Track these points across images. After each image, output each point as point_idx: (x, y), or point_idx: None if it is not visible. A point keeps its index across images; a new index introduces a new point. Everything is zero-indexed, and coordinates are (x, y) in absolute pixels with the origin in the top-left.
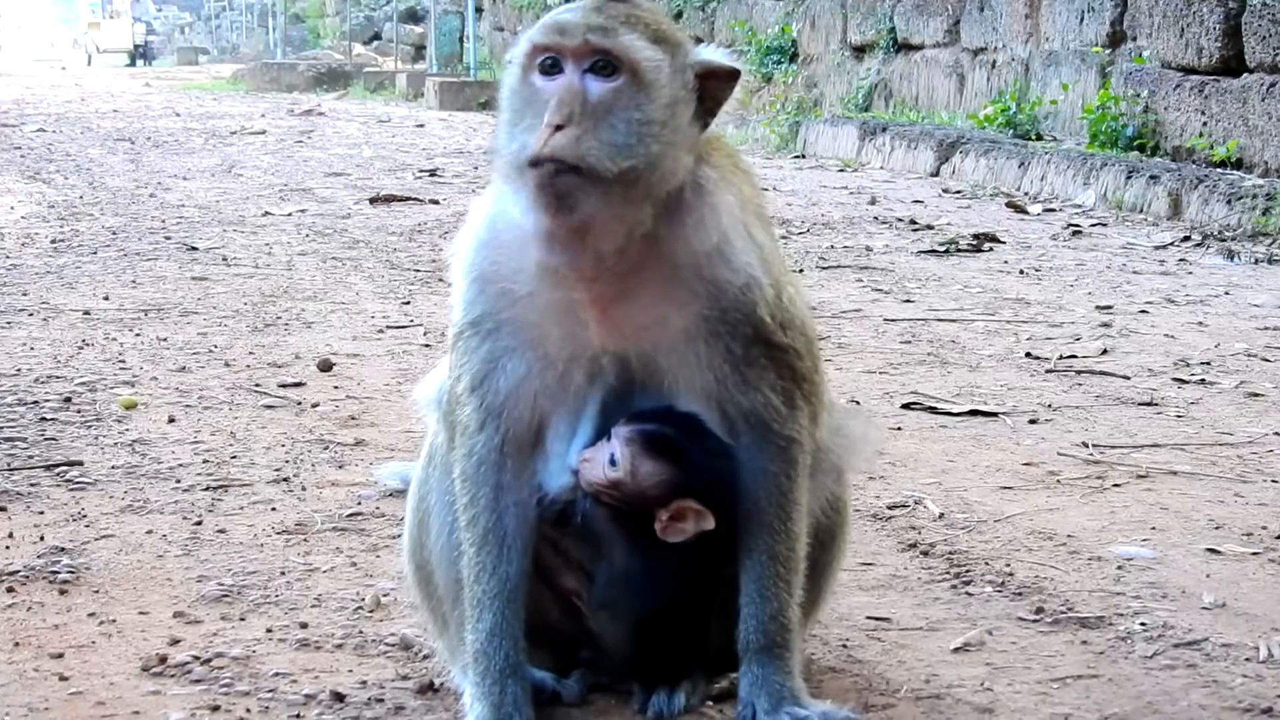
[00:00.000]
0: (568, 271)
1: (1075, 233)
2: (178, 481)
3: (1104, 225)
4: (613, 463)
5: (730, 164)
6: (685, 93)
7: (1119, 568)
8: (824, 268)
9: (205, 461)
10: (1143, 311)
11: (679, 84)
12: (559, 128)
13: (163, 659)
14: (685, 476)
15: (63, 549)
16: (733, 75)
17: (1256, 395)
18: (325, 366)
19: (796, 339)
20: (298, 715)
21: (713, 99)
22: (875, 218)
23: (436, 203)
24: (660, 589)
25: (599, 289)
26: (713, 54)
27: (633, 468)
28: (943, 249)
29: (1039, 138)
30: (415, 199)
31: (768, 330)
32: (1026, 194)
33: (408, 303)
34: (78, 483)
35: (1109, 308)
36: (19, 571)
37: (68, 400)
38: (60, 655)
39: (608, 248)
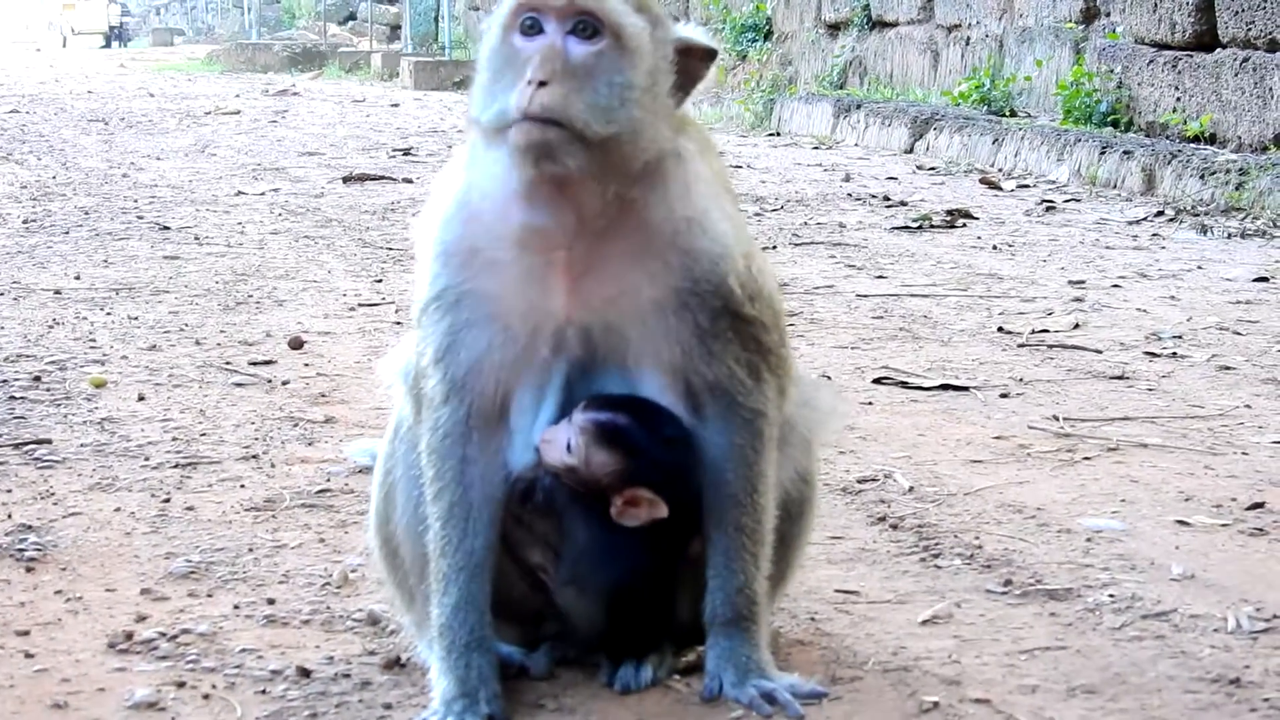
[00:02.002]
0: (549, 231)
1: (1049, 208)
2: (146, 459)
3: (1077, 201)
4: (569, 449)
5: (702, 139)
6: (665, 64)
7: (1088, 540)
8: (797, 244)
9: (174, 439)
10: (1115, 286)
11: (660, 55)
12: (542, 84)
13: (129, 636)
14: (638, 466)
15: (30, 527)
16: (710, 54)
17: (1228, 369)
18: (296, 344)
19: (764, 311)
20: (263, 691)
21: (689, 76)
22: (849, 194)
23: (410, 181)
24: (625, 565)
25: (574, 255)
26: (692, 31)
27: (586, 456)
28: (916, 225)
29: (1013, 114)
30: (389, 178)
31: (736, 302)
32: (1000, 170)
33: (380, 280)
34: (46, 461)
35: (1082, 283)
36: None
37: (37, 379)
38: (26, 633)
39: (588, 209)
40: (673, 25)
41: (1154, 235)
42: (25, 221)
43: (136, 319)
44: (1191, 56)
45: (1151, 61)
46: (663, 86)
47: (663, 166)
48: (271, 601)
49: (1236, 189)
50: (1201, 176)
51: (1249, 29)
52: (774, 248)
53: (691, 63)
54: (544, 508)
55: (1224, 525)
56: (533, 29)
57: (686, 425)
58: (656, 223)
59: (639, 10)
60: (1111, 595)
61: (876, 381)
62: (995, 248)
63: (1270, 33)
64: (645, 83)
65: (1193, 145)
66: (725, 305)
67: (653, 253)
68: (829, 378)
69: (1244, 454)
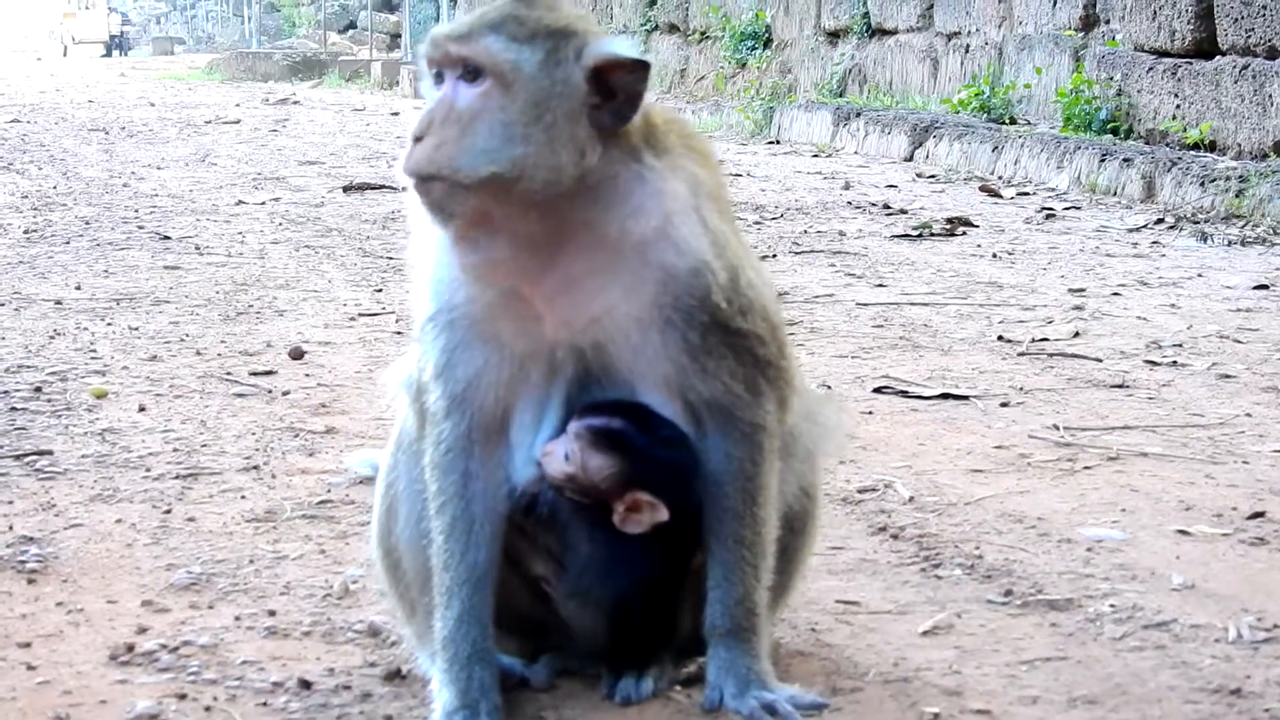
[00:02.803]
0: (492, 266)
1: (1048, 216)
2: (147, 470)
3: (1077, 209)
4: (566, 458)
5: (684, 147)
6: (566, 88)
7: (1089, 550)
8: (797, 253)
9: (175, 450)
10: (1115, 294)
11: (556, 79)
12: (418, 140)
13: (130, 648)
14: (636, 469)
15: (31, 538)
16: (636, 65)
17: (1228, 377)
18: (296, 354)
19: (757, 324)
20: (264, 703)
21: (623, 91)
22: (849, 203)
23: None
24: (628, 577)
25: (546, 280)
26: (610, 45)
27: (582, 461)
28: (916, 233)
29: (1013, 122)
30: (389, 187)
31: (724, 316)
32: (1000, 178)
33: (380, 290)
34: (47, 472)
35: (1082, 291)
36: None
37: (38, 390)
38: (28, 644)
39: (527, 240)
40: (591, 42)
41: (1154, 243)
42: (26, 231)
43: (137, 329)
44: (1191, 64)
45: (1151, 69)
46: (559, 111)
47: (617, 185)
48: (272, 613)
49: (1236, 196)
50: (1201, 184)
51: (1248, 36)
52: (774, 256)
53: (620, 77)
54: (547, 520)
55: (1225, 535)
56: (440, 79)
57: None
58: (620, 243)
59: (530, 40)
60: (1112, 605)
61: (877, 391)
62: (995, 256)
63: (1270, 40)
64: (529, 115)
65: (1193, 153)
66: (713, 320)
67: (623, 272)
68: (829, 387)
69: (1245, 463)
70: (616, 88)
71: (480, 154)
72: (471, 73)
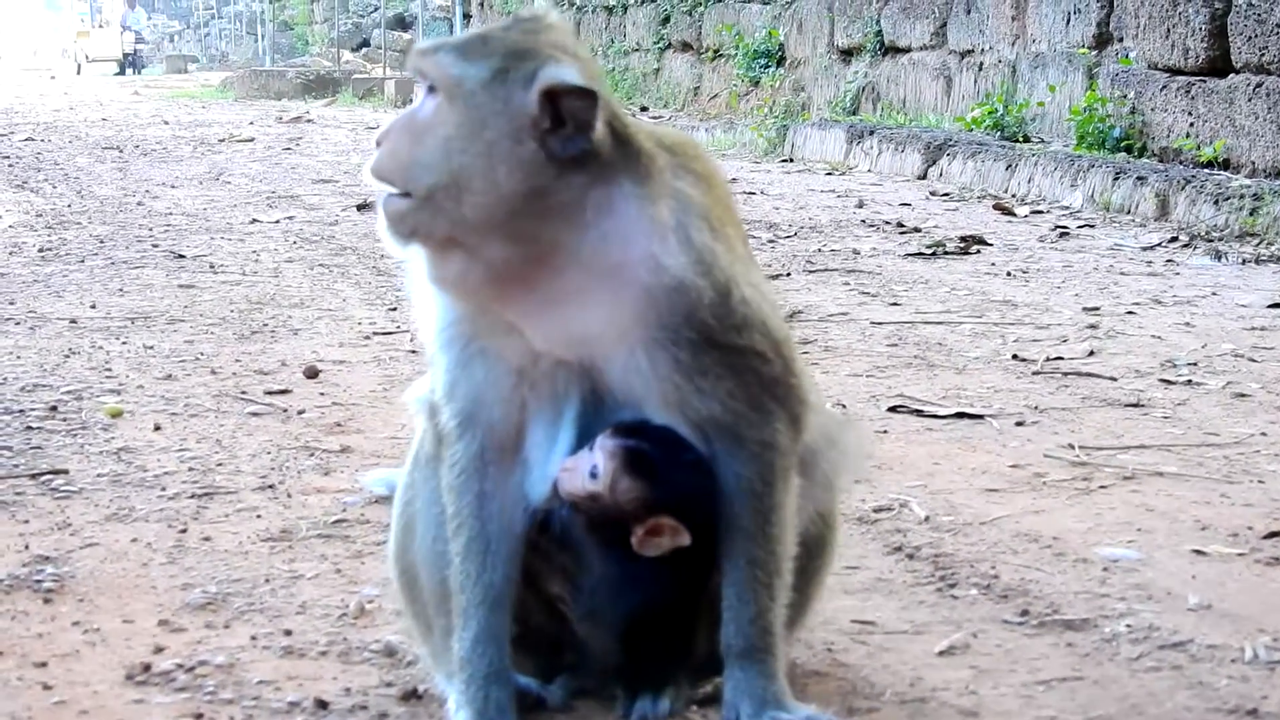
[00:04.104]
0: (457, 287)
1: (1062, 234)
2: (163, 489)
3: (1091, 227)
4: (593, 475)
5: (676, 168)
6: (505, 107)
7: (1104, 569)
8: (811, 271)
9: (191, 469)
10: (1130, 313)
11: (493, 98)
12: (378, 145)
13: (146, 667)
14: (663, 494)
15: (47, 557)
16: (583, 93)
17: (1243, 396)
18: (311, 373)
19: (755, 340)
20: None
21: (571, 118)
22: (863, 221)
23: None
24: (641, 596)
25: (521, 302)
26: (559, 71)
27: (612, 482)
28: (930, 251)
29: (1026, 140)
30: None
31: (716, 334)
32: (1014, 196)
33: (395, 309)
34: (63, 491)
35: (1096, 309)
36: (3, 580)
37: (53, 409)
38: (44, 664)
39: (490, 264)
40: (543, 67)
41: (1168, 261)
42: (41, 250)
43: (152, 348)
44: (1205, 82)
45: (1165, 87)
46: (501, 133)
47: (588, 210)
48: (289, 633)
49: (1251, 215)
50: (1215, 202)
51: (1262, 54)
52: (788, 274)
53: (571, 104)
54: (561, 538)
55: (1241, 554)
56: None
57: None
58: (591, 264)
59: (483, 58)
60: (1129, 625)
61: (891, 410)
62: (1009, 274)
63: None
64: (466, 133)
65: (1206, 171)
66: (704, 338)
67: (602, 294)
68: (844, 406)
69: (1260, 482)
70: (565, 114)
71: (421, 165)
72: (430, 87)
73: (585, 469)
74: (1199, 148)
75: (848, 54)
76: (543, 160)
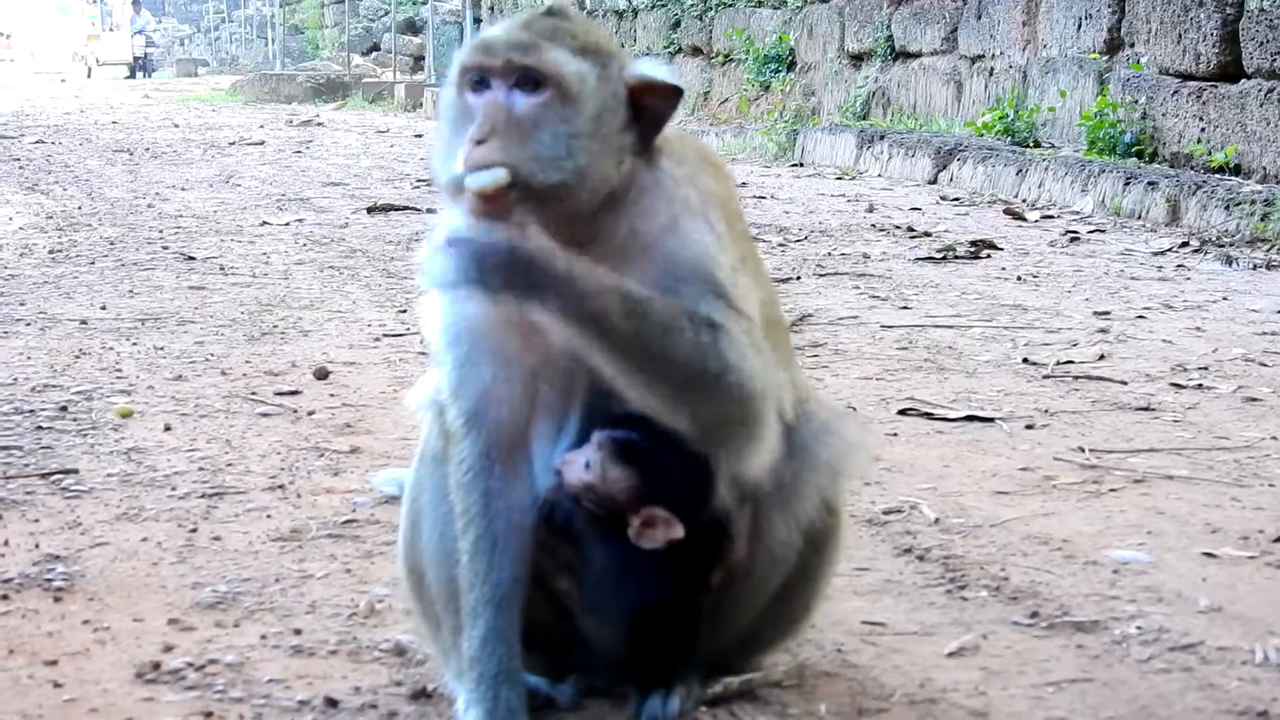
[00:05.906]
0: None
1: (1073, 239)
2: (173, 489)
3: (1102, 232)
4: (587, 466)
5: (699, 159)
6: (615, 104)
7: (1114, 572)
8: (821, 275)
9: (201, 469)
10: (1140, 317)
11: (607, 95)
12: (480, 142)
13: (156, 666)
14: (654, 484)
15: (57, 556)
16: (671, 92)
17: (1254, 400)
18: (321, 374)
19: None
20: None
21: (653, 114)
22: (873, 225)
23: (434, 212)
24: (643, 592)
25: None
26: (650, 68)
27: (603, 472)
28: (940, 256)
29: (1037, 145)
30: (413, 208)
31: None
32: (1024, 201)
33: (404, 311)
34: (73, 491)
35: (1106, 314)
36: (14, 579)
37: (64, 409)
38: (54, 662)
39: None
40: (630, 62)
41: (1179, 266)
42: (51, 252)
43: (162, 349)
44: (1216, 87)
45: (1176, 92)
46: (611, 126)
47: (632, 191)
48: (298, 632)
49: (1262, 220)
50: (1226, 207)
51: (1274, 60)
52: (798, 278)
53: (653, 100)
54: (563, 531)
55: (1251, 557)
56: (481, 85)
57: None
58: (626, 240)
59: (585, 53)
60: (1139, 627)
61: (902, 413)
62: (1020, 279)
63: None
64: (590, 128)
65: (1217, 176)
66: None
67: (631, 268)
68: (854, 409)
69: (1270, 485)
70: (648, 109)
71: (548, 161)
72: (532, 82)
73: (581, 461)
74: (1210, 153)
75: (858, 59)
76: (628, 152)
